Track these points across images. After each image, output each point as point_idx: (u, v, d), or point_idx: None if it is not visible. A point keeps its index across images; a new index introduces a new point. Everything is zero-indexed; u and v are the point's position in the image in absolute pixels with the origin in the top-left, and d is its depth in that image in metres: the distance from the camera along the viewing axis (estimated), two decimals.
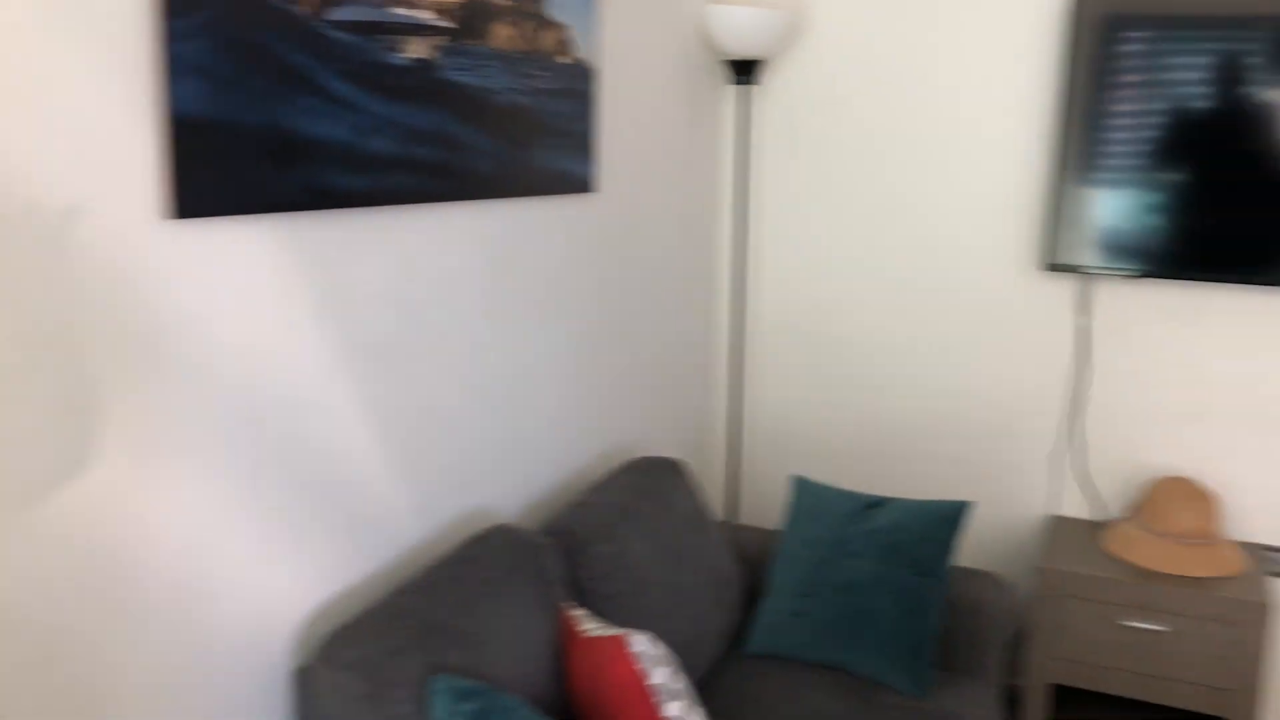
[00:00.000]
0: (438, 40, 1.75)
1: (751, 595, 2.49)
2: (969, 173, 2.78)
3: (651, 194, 2.62)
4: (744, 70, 2.78)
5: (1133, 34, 2.49)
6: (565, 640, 1.76)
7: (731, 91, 2.99)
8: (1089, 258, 2.62)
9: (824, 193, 2.93)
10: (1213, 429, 2.67)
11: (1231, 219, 2.49)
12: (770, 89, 2.93)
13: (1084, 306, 2.73)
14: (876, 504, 2.35)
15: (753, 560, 2.51)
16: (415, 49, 1.70)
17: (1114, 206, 2.58)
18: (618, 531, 2.04)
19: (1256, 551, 2.66)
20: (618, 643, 1.65)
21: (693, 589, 2.15)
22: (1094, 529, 2.74)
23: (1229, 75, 2.44)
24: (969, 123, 2.76)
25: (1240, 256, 2.49)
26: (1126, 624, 2.46)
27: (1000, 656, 2.35)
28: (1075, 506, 2.84)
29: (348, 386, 1.64)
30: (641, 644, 1.64)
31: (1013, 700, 2.82)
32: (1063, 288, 2.75)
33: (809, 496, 2.39)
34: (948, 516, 2.27)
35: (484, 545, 1.79)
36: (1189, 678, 2.43)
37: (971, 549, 2.96)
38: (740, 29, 2.65)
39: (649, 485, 2.22)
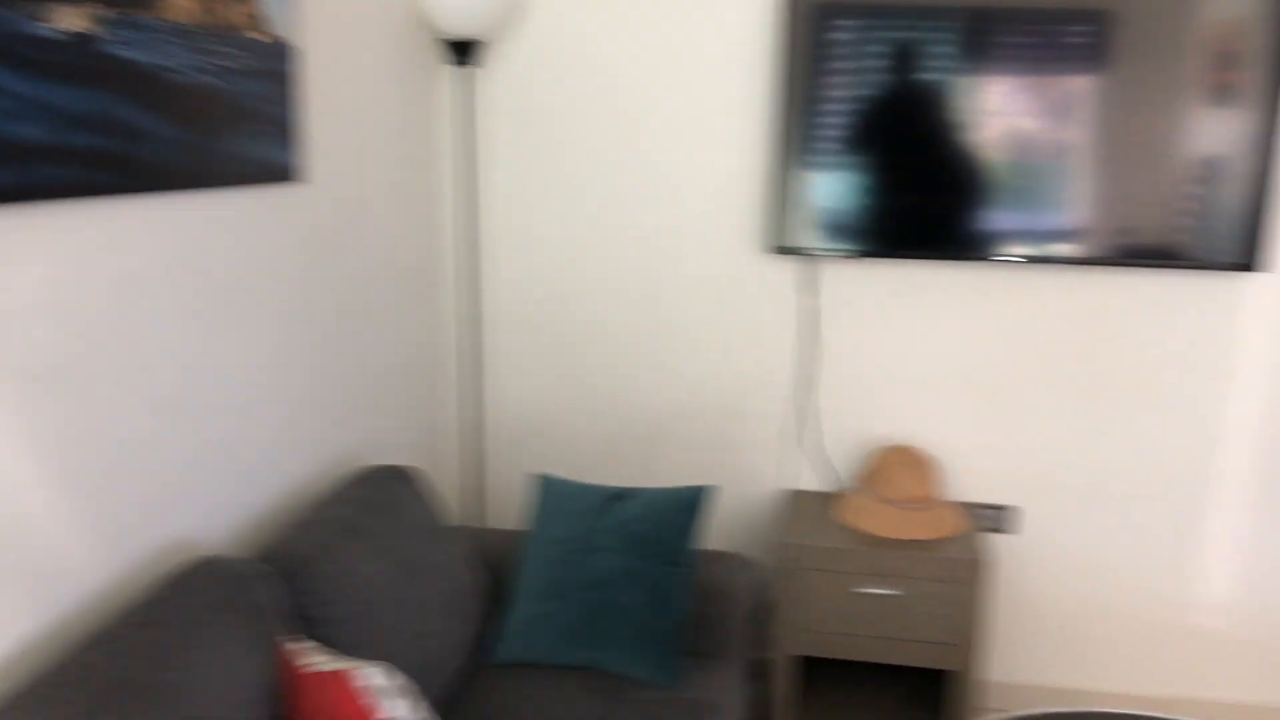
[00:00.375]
0: (97, 9, 1.52)
1: (498, 602, 2.39)
2: (696, 158, 2.79)
3: (367, 182, 2.45)
4: (463, 51, 2.65)
5: (842, 22, 2.57)
6: (288, 679, 1.59)
7: (451, 74, 2.85)
8: (812, 239, 2.69)
9: (554, 179, 2.85)
10: (929, 397, 2.82)
11: (933, 199, 2.62)
12: (493, 71, 2.82)
13: (810, 287, 2.81)
14: (621, 496, 2.30)
15: (498, 565, 2.41)
16: (68, 19, 1.47)
17: (832, 190, 2.65)
18: (343, 550, 1.88)
19: (972, 511, 2.83)
20: (346, 677, 1.50)
21: (432, 603, 2.02)
22: (828, 501, 2.83)
23: (927, 63, 2.56)
24: (693, 108, 2.76)
25: (943, 235, 2.63)
26: (862, 591, 2.55)
27: (748, 635, 2.37)
28: (811, 480, 2.92)
29: (3, 415, 1.39)
30: (372, 676, 1.50)
31: (762, 676, 2.87)
32: (790, 269, 2.81)
33: (552, 493, 2.32)
34: (691, 503, 2.26)
35: (186, 581, 1.59)
36: (920, 637, 2.55)
37: (718, 530, 2.99)
38: (456, 7, 2.52)
39: (377, 497, 2.07)
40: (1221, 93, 2.48)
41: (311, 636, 1.78)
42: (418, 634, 1.96)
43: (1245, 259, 2.55)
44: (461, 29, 2.57)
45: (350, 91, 2.33)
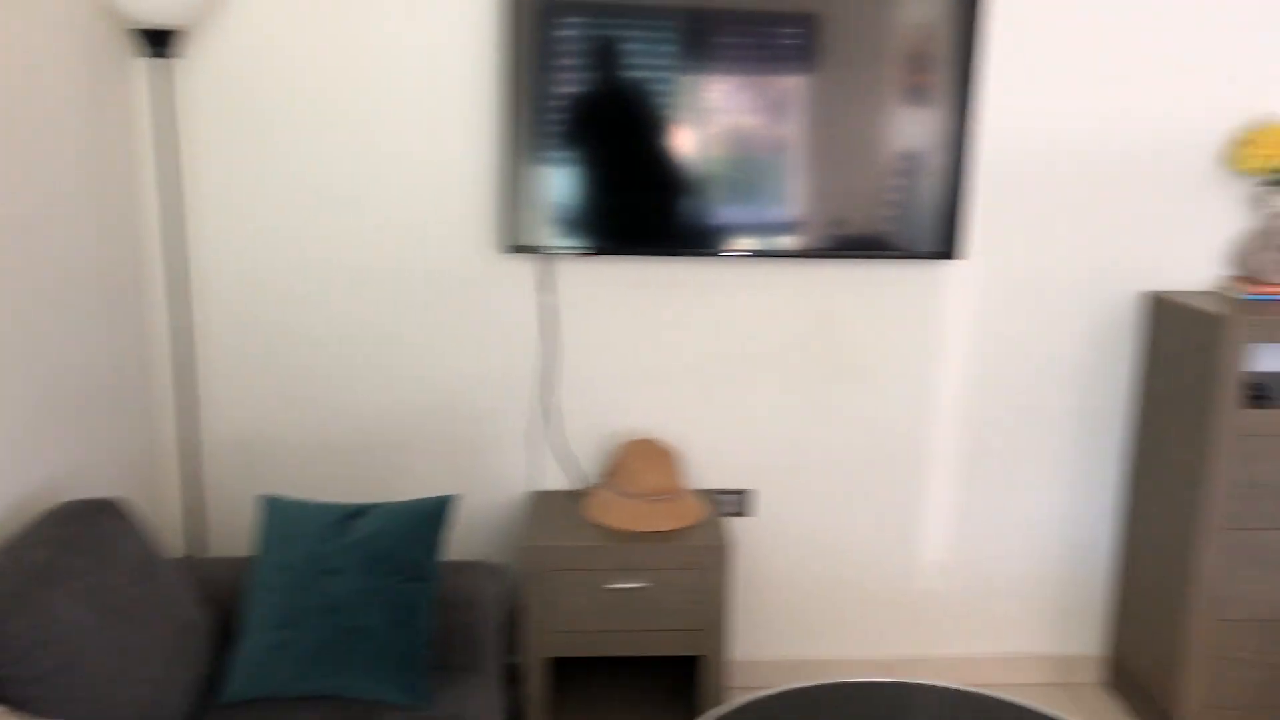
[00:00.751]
0: None
1: (227, 636, 2.22)
2: (425, 156, 2.69)
3: (43, 183, 2.19)
4: (159, 41, 2.43)
5: (569, 19, 2.55)
6: None
7: (146, 66, 2.61)
8: (547, 237, 2.66)
9: (274, 178, 2.68)
10: (667, 389, 2.87)
11: (661, 196, 2.66)
12: (197, 63, 2.61)
13: (547, 285, 2.79)
14: (358, 513, 2.20)
15: (225, 597, 2.24)
16: None
17: (565, 188, 2.64)
18: (38, 598, 1.67)
19: (713, 497, 2.91)
20: None
21: (150, 647, 1.84)
22: (574, 499, 2.83)
23: (651, 61, 2.60)
24: (419, 104, 2.67)
25: (672, 231, 2.68)
26: (610, 587, 2.56)
27: (499, 644, 2.33)
28: (557, 479, 2.91)
29: None
30: None
31: (515, 682, 2.83)
32: (526, 267, 2.77)
33: (280, 516, 2.17)
34: (432, 514, 2.18)
35: None
36: (669, 626, 2.59)
37: (467, 538, 2.92)
38: None
39: (79, 535, 1.86)
40: (917, 92, 2.66)
41: (3, 699, 1.58)
42: (133, 682, 1.78)
43: (943, 248, 2.75)
44: (153, 16, 2.35)
45: (14, 83, 2.08)
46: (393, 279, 2.75)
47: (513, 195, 2.64)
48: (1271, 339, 2.53)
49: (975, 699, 2.22)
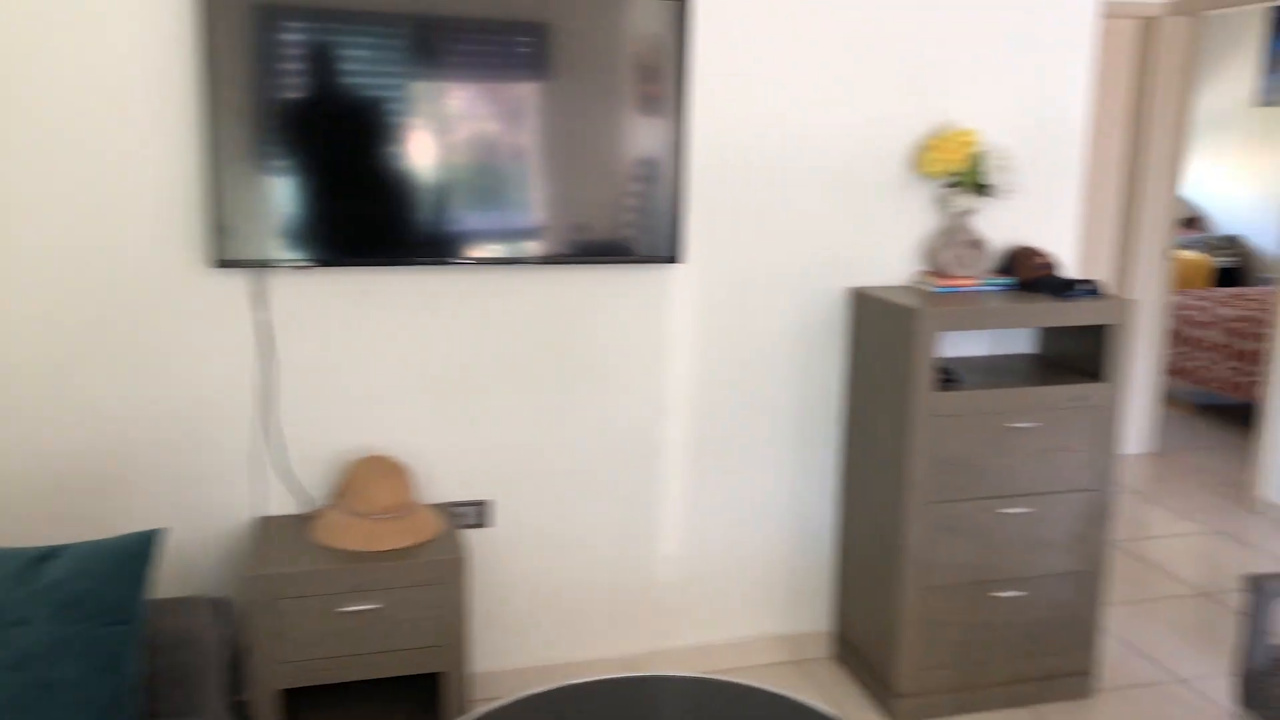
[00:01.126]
0: None
1: None
2: (116, 166, 2.50)
3: None
4: None
5: (288, 24, 2.45)
6: None
7: None
8: (262, 251, 2.54)
9: None
10: (398, 404, 2.81)
11: (391, 204, 2.60)
12: None
13: (262, 300, 2.66)
14: (47, 555, 2.01)
15: None
16: None
17: (283, 197, 2.53)
18: None
19: (449, 511, 2.87)
20: None
21: None
22: (302, 523, 2.71)
23: (380, 68, 2.53)
24: (104, 110, 2.47)
25: (403, 240, 2.62)
26: (343, 610, 2.48)
27: (224, 682, 2.20)
28: (284, 504, 2.78)
29: None
30: None
31: (246, 719, 2.69)
32: (238, 283, 2.63)
33: None
34: (135, 551, 2.03)
35: None
36: (407, 645, 2.53)
37: (187, 574, 2.73)
38: None
39: None
40: (648, 102, 2.74)
41: None
42: None
43: (670, 252, 2.84)
44: None
45: None
46: (85, 300, 2.54)
47: (219, 206, 2.50)
48: (957, 327, 2.77)
49: (708, 685, 2.30)
